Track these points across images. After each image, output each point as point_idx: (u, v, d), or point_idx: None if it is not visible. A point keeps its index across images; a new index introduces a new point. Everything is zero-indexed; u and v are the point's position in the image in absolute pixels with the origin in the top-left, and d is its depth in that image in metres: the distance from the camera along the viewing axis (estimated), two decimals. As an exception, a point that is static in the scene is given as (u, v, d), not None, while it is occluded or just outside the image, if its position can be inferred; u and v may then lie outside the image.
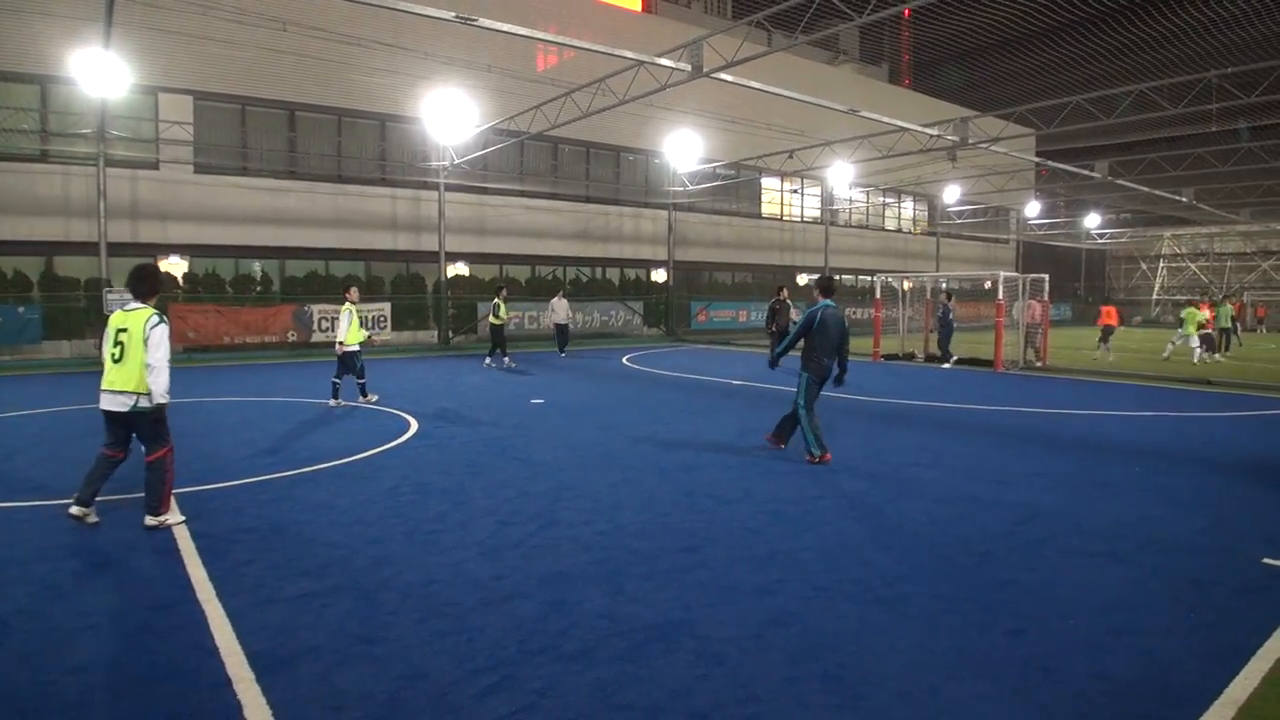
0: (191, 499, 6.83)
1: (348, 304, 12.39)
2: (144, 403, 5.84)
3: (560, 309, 22.24)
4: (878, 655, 4.01)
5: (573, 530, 6.05)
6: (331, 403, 12.24)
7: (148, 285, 6.06)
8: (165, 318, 5.93)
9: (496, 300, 18.81)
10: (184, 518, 6.08)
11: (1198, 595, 4.86)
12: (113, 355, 5.84)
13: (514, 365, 18.84)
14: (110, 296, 18.47)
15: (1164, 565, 5.38)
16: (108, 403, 5.87)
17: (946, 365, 19.50)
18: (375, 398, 12.67)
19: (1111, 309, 23.16)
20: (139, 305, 5.95)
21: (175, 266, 22.37)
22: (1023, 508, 6.75)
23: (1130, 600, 4.76)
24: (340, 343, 12.27)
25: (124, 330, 5.83)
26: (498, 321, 18.80)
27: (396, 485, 7.43)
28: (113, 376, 5.84)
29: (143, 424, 5.93)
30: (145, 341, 5.75)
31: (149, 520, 5.87)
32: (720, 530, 6.09)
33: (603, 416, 11.72)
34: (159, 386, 5.79)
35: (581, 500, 6.93)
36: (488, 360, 19.12)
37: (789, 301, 18.18)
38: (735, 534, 6.00)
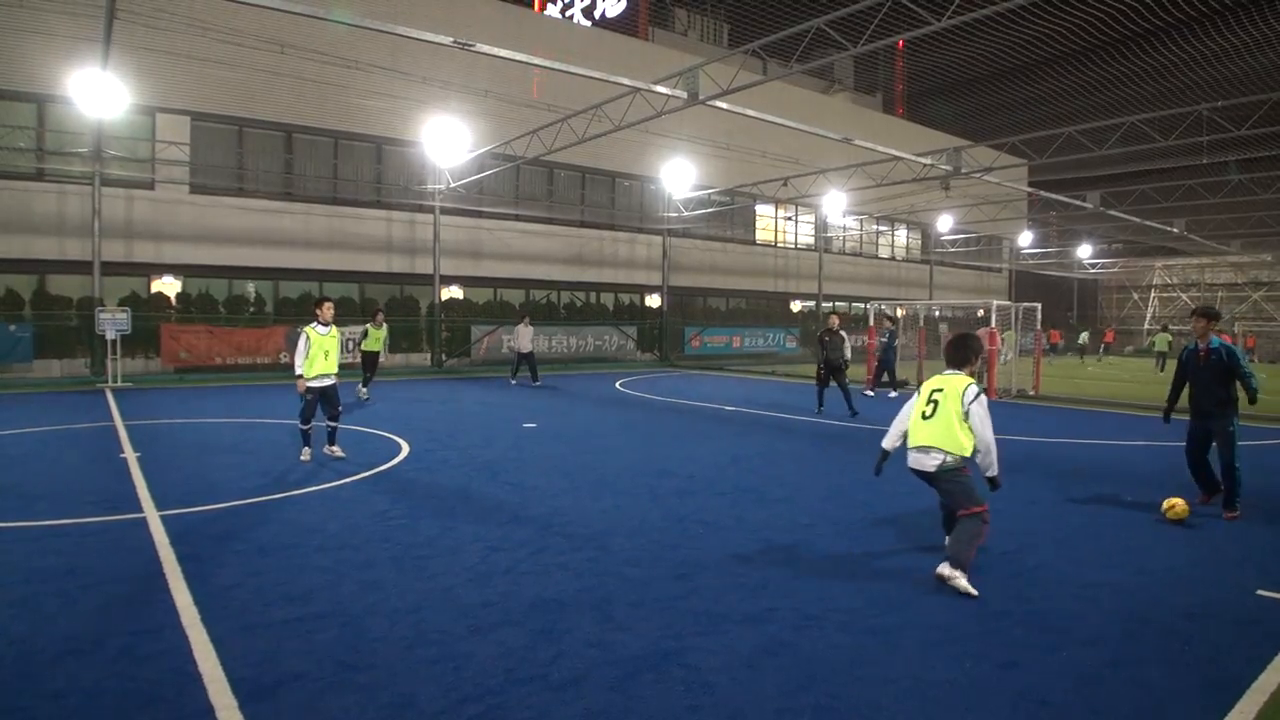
0: (178, 521, 6.76)
1: (313, 325, 9.68)
2: (949, 461, 5.59)
3: (525, 336, 20.42)
4: (870, 686, 3.97)
5: (563, 557, 6.00)
6: (326, 450, 9.93)
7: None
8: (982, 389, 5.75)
9: (368, 325, 16.73)
10: (976, 592, 5.31)
11: (1192, 627, 4.83)
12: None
13: (367, 398, 16.24)
14: (103, 316, 18.37)
15: (1158, 597, 5.34)
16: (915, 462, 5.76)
17: (893, 394, 18.52)
18: (308, 456, 9.65)
19: (1111, 331, 25.88)
20: None
21: (169, 286, 22.34)
22: (1014, 536, 6.72)
23: (1124, 632, 4.72)
24: (299, 376, 9.49)
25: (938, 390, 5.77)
26: (371, 348, 16.61)
27: (386, 510, 7.37)
28: (924, 434, 5.70)
29: (948, 482, 5.65)
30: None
31: (942, 570, 5.45)
32: (712, 558, 6.04)
33: (595, 441, 11.67)
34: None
35: (572, 526, 6.88)
36: (361, 389, 16.49)
37: (844, 334, 15.30)
38: (727, 561, 5.95)
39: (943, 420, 5.60)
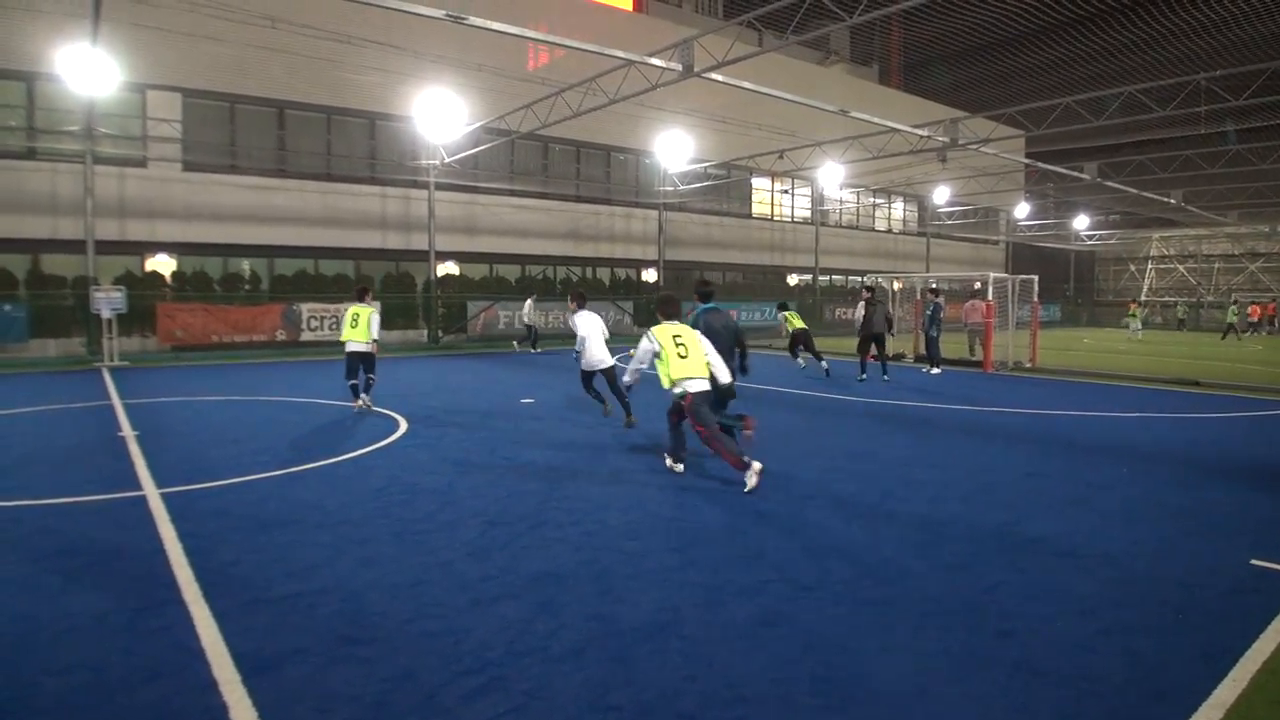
0: (178, 499, 6.78)
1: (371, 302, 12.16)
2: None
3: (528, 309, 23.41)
4: (866, 656, 4.01)
5: (561, 530, 6.03)
6: (359, 403, 11.87)
7: None
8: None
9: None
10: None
11: (1185, 597, 4.88)
12: None
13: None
14: (98, 295, 18.31)
15: (1152, 567, 5.39)
16: None
17: (936, 370, 18.56)
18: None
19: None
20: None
21: (164, 265, 22.25)
22: (1012, 508, 6.76)
23: (1118, 601, 4.77)
24: (375, 341, 11.92)
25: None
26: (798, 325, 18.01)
27: (385, 485, 7.40)
28: None
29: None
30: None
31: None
32: (709, 530, 6.08)
33: (592, 416, 11.68)
34: None
35: (570, 500, 6.92)
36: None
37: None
38: (724, 534, 5.99)
39: (700, 356, 7.59)
